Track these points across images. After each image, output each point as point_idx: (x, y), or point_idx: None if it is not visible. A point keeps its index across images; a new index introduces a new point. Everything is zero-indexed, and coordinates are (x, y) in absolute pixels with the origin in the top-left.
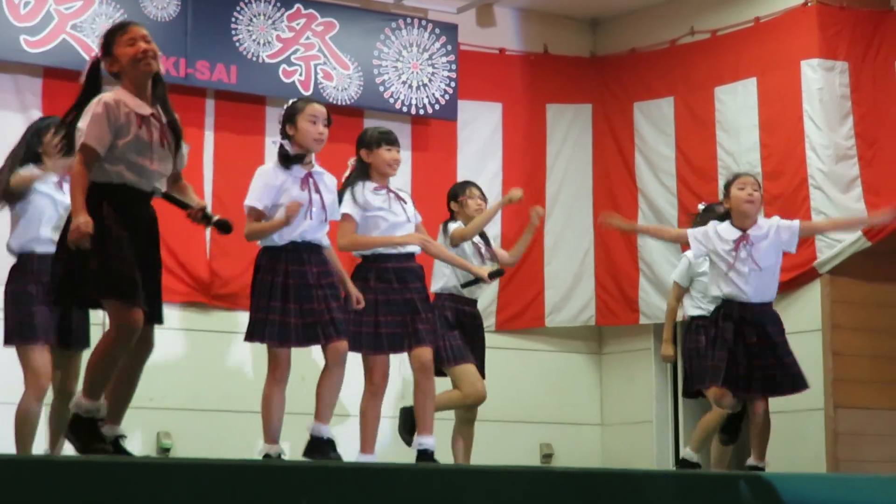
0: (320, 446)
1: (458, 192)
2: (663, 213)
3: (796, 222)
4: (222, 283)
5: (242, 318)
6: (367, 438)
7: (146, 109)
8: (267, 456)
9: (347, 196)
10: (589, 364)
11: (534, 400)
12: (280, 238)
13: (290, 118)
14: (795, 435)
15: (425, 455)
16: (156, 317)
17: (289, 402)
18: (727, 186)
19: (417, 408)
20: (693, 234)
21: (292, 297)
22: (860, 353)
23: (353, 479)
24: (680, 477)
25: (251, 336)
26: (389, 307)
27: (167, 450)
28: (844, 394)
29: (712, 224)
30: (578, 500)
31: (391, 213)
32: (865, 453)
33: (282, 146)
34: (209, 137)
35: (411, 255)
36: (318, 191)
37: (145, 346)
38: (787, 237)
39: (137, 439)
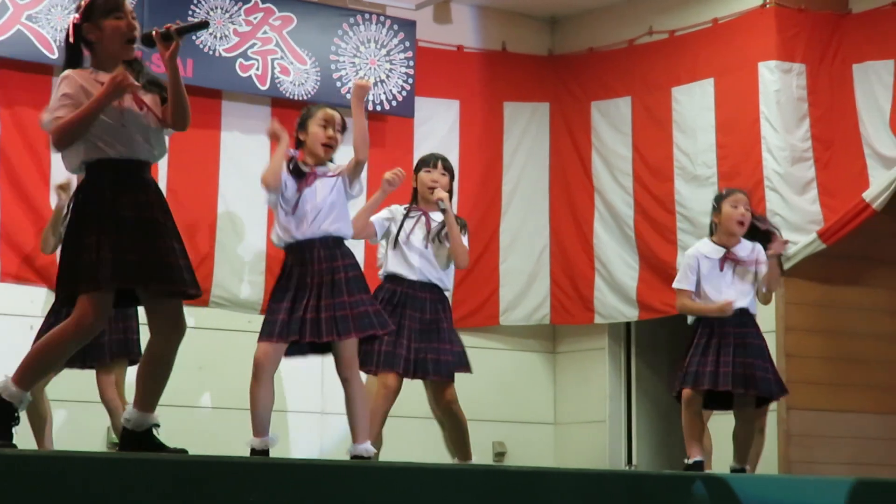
0: None
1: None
2: (619, 212)
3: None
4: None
5: (196, 313)
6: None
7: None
8: (253, 450)
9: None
10: (543, 363)
11: (487, 398)
12: (279, 239)
13: (302, 124)
14: None
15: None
16: (178, 291)
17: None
18: (718, 201)
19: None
20: (690, 277)
21: (290, 296)
22: (813, 355)
23: (304, 476)
24: (634, 477)
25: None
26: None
27: (117, 444)
28: (797, 395)
29: (696, 251)
30: (531, 499)
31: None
32: (817, 455)
33: (293, 160)
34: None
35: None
36: (315, 187)
37: (173, 327)
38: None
39: (86, 434)
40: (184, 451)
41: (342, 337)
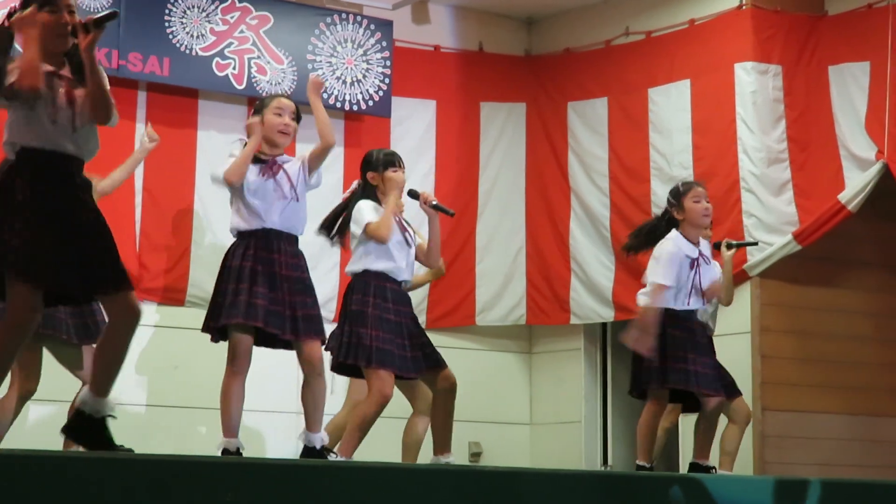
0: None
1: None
2: (595, 213)
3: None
4: (151, 277)
5: (171, 313)
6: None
7: (48, 68)
8: (225, 450)
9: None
10: (519, 363)
11: (463, 398)
12: (248, 223)
13: (257, 112)
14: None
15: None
16: (120, 282)
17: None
18: (678, 197)
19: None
20: (667, 278)
21: (260, 281)
22: (788, 356)
23: (281, 476)
24: (611, 477)
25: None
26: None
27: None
28: (772, 396)
29: (678, 249)
30: (506, 499)
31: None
32: (792, 456)
33: (243, 142)
34: (140, 130)
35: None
36: (284, 171)
37: (126, 313)
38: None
39: (54, 433)
40: (130, 451)
41: (315, 337)
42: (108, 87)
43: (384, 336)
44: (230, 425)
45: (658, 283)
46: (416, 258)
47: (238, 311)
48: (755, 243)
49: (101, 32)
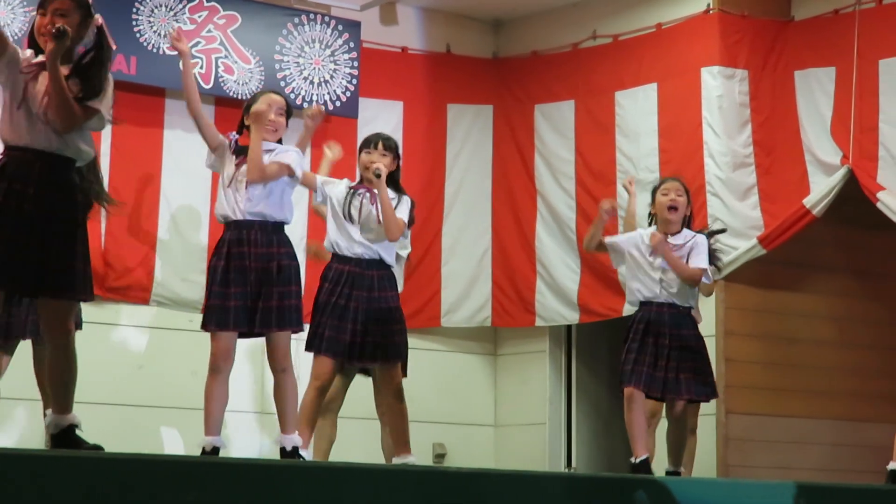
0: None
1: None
2: (561, 216)
3: (704, 262)
4: (116, 276)
5: (136, 312)
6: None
7: (37, 59)
8: (202, 449)
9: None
10: (484, 365)
11: (427, 399)
12: (223, 215)
13: (247, 108)
14: None
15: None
16: (59, 289)
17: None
18: (653, 193)
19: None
20: (620, 241)
21: (231, 279)
22: (752, 360)
23: (243, 475)
24: (574, 479)
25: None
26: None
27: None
28: (736, 400)
29: (638, 231)
30: (470, 500)
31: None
32: (755, 459)
33: (234, 141)
34: (107, 128)
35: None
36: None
37: (57, 328)
38: (691, 255)
39: (23, 433)
40: (99, 448)
41: (285, 328)
42: (69, 96)
43: (328, 321)
44: (209, 423)
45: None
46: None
47: (211, 317)
48: (723, 230)
49: (60, 44)
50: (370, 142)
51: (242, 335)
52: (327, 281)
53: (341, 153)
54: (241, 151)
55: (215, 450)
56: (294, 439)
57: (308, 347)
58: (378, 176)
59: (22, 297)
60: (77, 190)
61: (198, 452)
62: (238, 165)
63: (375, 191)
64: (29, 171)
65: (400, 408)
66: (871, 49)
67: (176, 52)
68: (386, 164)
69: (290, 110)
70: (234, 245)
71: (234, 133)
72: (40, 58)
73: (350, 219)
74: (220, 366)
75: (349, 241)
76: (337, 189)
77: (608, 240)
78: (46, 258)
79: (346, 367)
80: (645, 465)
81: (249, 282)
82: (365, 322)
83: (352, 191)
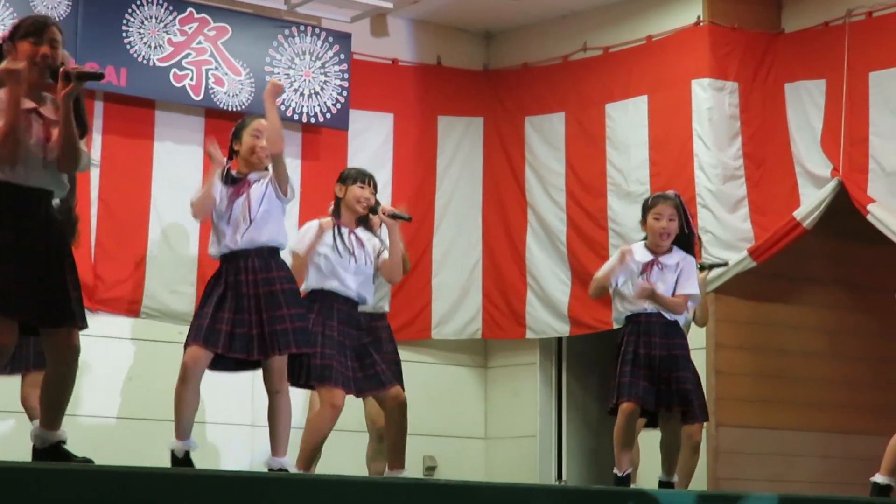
0: None
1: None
2: (552, 227)
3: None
4: (106, 289)
5: (126, 324)
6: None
7: (28, 104)
8: (172, 452)
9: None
10: (474, 377)
11: (418, 412)
12: (217, 248)
13: (236, 133)
14: None
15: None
16: (61, 318)
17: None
18: (645, 210)
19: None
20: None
21: (227, 306)
22: (743, 373)
23: (233, 488)
24: (565, 492)
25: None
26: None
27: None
28: (726, 412)
29: (633, 248)
30: None
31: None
32: (745, 471)
33: (226, 170)
34: (97, 140)
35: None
36: (247, 194)
37: (62, 350)
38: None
39: (8, 444)
40: (89, 461)
41: (283, 352)
42: (77, 138)
43: (328, 352)
44: (180, 427)
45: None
46: (382, 275)
47: (199, 334)
48: (725, 263)
49: (81, 86)
50: (365, 176)
51: (241, 365)
52: (314, 313)
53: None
54: (230, 181)
55: (187, 454)
56: (286, 462)
57: (320, 379)
58: (401, 217)
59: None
60: (58, 222)
61: (171, 457)
62: (233, 196)
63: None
64: (16, 205)
65: (404, 423)
66: (862, 61)
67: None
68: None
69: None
70: (231, 274)
71: (226, 159)
72: (28, 104)
73: (352, 257)
74: (187, 376)
75: (342, 284)
76: (317, 236)
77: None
78: (45, 290)
79: None
80: (628, 480)
81: (247, 309)
82: (363, 357)
83: (336, 228)
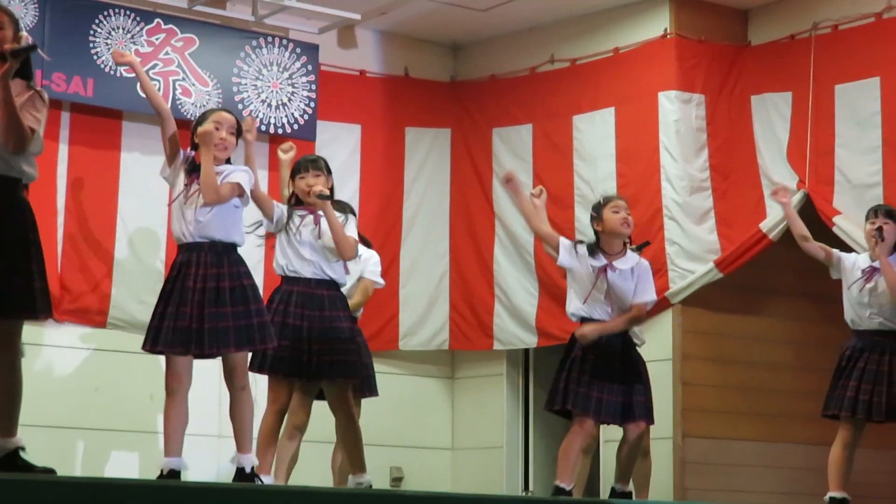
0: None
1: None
2: (520, 239)
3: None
4: (73, 299)
5: (93, 334)
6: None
7: None
8: (161, 471)
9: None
10: (441, 388)
11: (385, 423)
12: (176, 236)
13: (195, 128)
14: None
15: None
16: (7, 307)
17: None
18: (597, 209)
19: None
20: (564, 243)
21: (172, 299)
22: (709, 384)
23: (199, 499)
24: (531, 503)
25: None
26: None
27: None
28: (692, 423)
29: (583, 246)
30: None
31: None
32: (711, 482)
33: (189, 159)
34: (63, 151)
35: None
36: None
37: (5, 348)
38: (636, 286)
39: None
40: (51, 471)
41: (221, 350)
42: (20, 116)
43: (282, 343)
44: (168, 445)
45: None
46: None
47: (147, 338)
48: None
49: (16, 63)
50: (300, 167)
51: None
52: (276, 302)
53: (293, 147)
54: (193, 169)
55: (173, 472)
56: (252, 459)
57: (259, 367)
58: (326, 198)
59: None
60: (27, 209)
61: (156, 474)
62: (188, 185)
63: (320, 212)
64: None
65: (352, 428)
66: (827, 74)
67: (133, 75)
68: (322, 183)
69: (240, 128)
70: (184, 267)
71: (190, 150)
72: None
73: (300, 240)
74: (173, 387)
75: (300, 261)
76: (282, 212)
77: (557, 239)
78: (4, 279)
79: (306, 387)
80: (570, 493)
81: (191, 302)
82: (319, 341)
83: (292, 211)
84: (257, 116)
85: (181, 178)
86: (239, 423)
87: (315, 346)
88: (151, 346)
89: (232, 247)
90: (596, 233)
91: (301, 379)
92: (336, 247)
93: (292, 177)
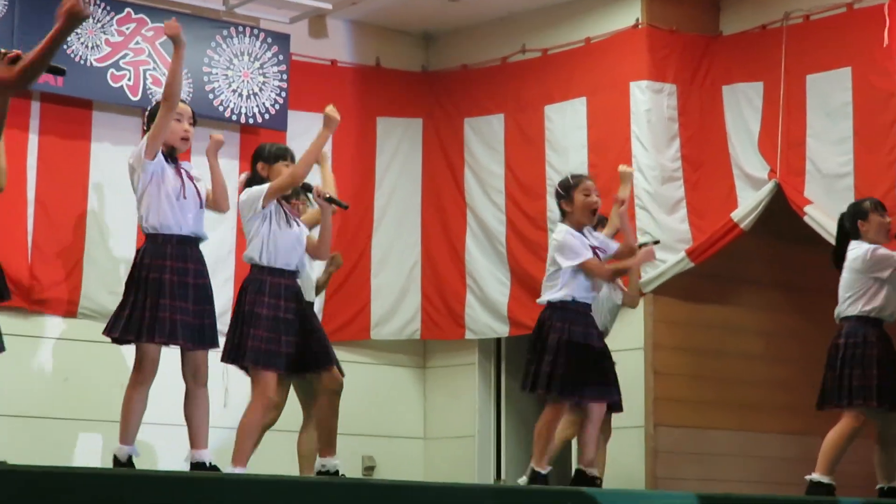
0: None
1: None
2: (491, 229)
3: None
4: (43, 289)
5: (63, 324)
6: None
7: None
8: (115, 457)
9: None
10: (413, 378)
11: (357, 412)
12: (165, 226)
13: (152, 117)
14: (616, 451)
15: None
16: None
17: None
18: (567, 189)
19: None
20: (584, 255)
21: (170, 292)
22: (680, 373)
23: (164, 488)
24: (503, 492)
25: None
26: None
27: None
28: (664, 412)
29: (567, 230)
30: None
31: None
32: (682, 471)
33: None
34: (34, 141)
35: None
36: (190, 178)
37: None
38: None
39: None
40: (2, 463)
41: (209, 345)
42: None
43: (269, 335)
44: (126, 432)
45: (581, 262)
46: (307, 250)
47: (154, 330)
48: (657, 241)
49: None
50: (287, 153)
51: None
52: (265, 295)
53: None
54: (174, 160)
55: (130, 459)
56: (208, 454)
57: (255, 363)
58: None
59: None
60: None
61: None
62: (179, 175)
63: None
64: None
65: (337, 405)
66: (799, 65)
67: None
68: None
69: (195, 118)
70: (179, 260)
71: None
72: None
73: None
74: (146, 377)
75: (288, 253)
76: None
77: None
78: None
79: (285, 379)
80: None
81: (190, 297)
82: (310, 332)
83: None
84: (228, 106)
85: (169, 171)
86: (199, 420)
87: (309, 338)
88: (168, 338)
89: (198, 241)
90: (563, 211)
91: (299, 373)
92: (320, 245)
93: (271, 161)
